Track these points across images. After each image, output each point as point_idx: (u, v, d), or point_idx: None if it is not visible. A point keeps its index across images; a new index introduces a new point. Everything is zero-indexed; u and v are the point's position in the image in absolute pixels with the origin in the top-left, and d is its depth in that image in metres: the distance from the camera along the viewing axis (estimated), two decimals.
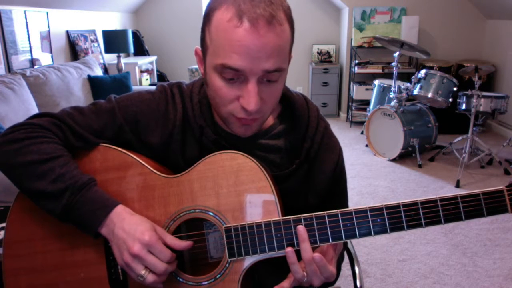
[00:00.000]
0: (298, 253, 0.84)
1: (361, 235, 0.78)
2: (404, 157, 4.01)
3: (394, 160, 3.96)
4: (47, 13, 3.85)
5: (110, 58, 5.04)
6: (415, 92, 3.86)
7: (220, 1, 0.76)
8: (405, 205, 0.77)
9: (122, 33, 4.48)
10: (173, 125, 0.90)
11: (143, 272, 0.77)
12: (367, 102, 5.02)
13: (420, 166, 3.81)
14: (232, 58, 0.74)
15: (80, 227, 0.82)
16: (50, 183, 0.81)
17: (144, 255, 0.77)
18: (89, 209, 0.81)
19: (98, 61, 4.56)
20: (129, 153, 0.88)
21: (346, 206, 1.02)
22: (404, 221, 0.77)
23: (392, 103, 3.94)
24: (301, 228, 0.78)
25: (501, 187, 0.76)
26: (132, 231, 0.79)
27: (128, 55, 5.52)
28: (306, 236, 0.78)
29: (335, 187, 0.97)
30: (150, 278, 0.77)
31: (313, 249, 0.80)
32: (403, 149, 3.83)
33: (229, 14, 0.73)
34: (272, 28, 0.73)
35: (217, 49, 0.76)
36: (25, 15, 3.52)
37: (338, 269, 0.94)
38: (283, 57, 0.78)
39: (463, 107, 3.67)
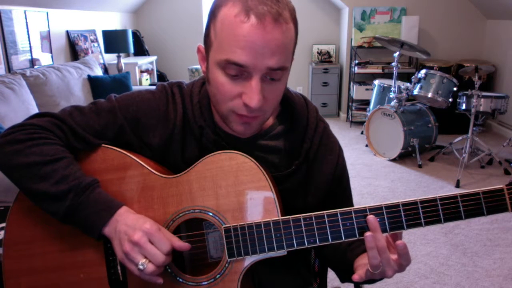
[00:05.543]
0: (300, 251, 0.83)
1: (361, 235, 0.78)
2: (404, 157, 4.01)
3: (394, 160, 3.96)
4: (47, 13, 3.85)
5: (110, 58, 5.04)
6: (415, 92, 3.86)
7: None
8: (404, 204, 0.77)
9: (122, 33, 4.48)
10: (173, 125, 0.90)
11: (143, 260, 0.76)
12: (367, 102, 5.02)
13: (420, 166, 3.81)
14: (236, 53, 0.74)
15: (83, 228, 0.82)
16: (53, 184, 0.80)
17: (144, 243, 0.77)
18: (93, 210, 0.80)
19: (98, 61, 4.56)
20: (129, 154, 0.88)
21: (351, 206, 1.01)
22: (403, 220, 0.77)
23: (392, 103, 3.94)
24: (371, 218, 0.76)
25: (501, 186, 0.76)
26: (134, 223, 0.79)
27: (128, 55, 5.52)
28: (378, 225, 0.77)
29: (337, 188, 0.97)
30: (150, 267, 0.76)
31: (316, 248, 0.79)
32: (403, 149, 3.83)
33: (235, 10, 0.74)
34: (278, 25, 0.74)
35: (222, 44, 0.76)
36: (25, 15, 3.52)
37: None
38: (287, 56, 0.78)
39: (463, 107, 3.67)
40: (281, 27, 0.74)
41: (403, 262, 0.77)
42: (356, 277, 0.81)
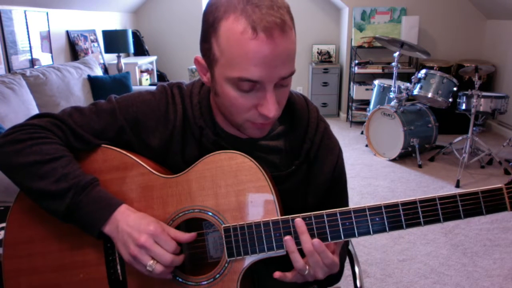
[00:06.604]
0: (300, 251, 0.83)
1: (360, 234, 0.78)
2: (404, 157, 4.01)
3: (394, 160, 3.96)
4: (47, 13, 3.85)
5: (110, 58, 5.04)
6: (415, 92, 3.86)
7: (224, 10, 0.73)
8: (403, 203, 0.77)
9: (122, 33, 4.48)
10: (173, 126, 0.90)
11: (151, 262, 0.77)
12: (367, 102, 5.02)
13: (420, 166, 3.81)
14: (249, 70, 0.73)
15: (83, 226, 0.82)
16: (53, 183, 0.81)
17: (150, 245, 0.78)
18: (93, 208, 0.81)
19: (98, 61, 4.56)
20: (128, 154, 0.88)
21: (347, 206, 1.02)
22: (403, 219, 0.77)
23: (392, 103, 3.94)
24: (298, 221, 0.78)
25: (500, 185, 0.76)
26: (137, 224, 0.79)
27: (128, 55, 5.52)
28: (305, 228, 0.78)
29: (334, 188, 0.97)
30: (158, 268, 0.78)
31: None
32: (403, 149, 3.83)
33: (240, 26, 0.71)
34: (285, 35, 0.73)
35: (232, 62, 0.74)
36: (25, 15, 3.52)
37: (341, 266, 0.94)
38: (294, 60, 0.78)
39: (463, 107, 3.67)
40: (287, 36, 0.73)
41: (325, 261, 0.78)
42: (277, 274, 0.82)
